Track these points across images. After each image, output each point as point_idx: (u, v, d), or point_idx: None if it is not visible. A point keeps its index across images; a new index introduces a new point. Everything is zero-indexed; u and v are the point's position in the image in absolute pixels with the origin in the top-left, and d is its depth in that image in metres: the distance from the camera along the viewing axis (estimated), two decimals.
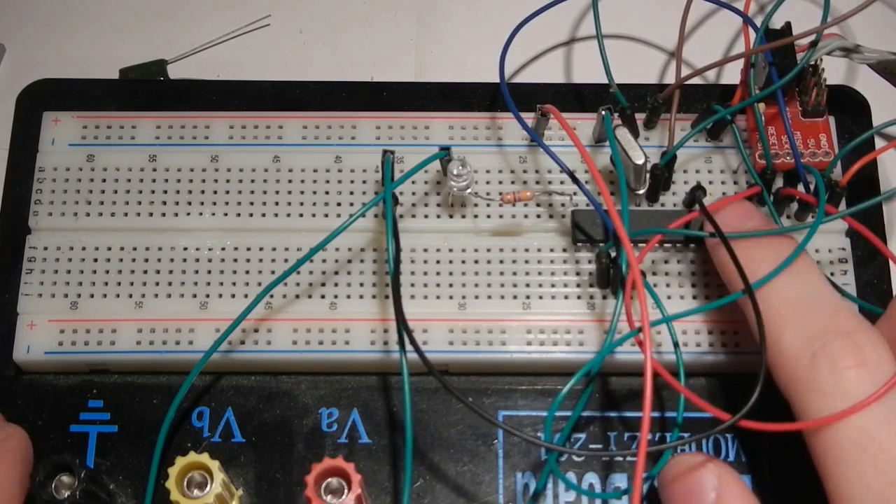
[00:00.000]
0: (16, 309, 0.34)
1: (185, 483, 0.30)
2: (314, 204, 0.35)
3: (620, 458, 0.33)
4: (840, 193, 0.33)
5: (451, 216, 0.35)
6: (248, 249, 0.35)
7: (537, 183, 0.36)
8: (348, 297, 0.34)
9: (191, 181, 0.36)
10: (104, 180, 0.36)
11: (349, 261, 0.35)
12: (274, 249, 0.35)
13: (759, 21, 0.35)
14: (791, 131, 0.34)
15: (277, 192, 0.35)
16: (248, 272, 0.35)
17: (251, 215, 0.35)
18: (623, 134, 0.33)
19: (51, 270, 0.34)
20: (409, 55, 0.41)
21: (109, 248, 0.35)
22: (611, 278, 0.33)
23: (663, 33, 0.41)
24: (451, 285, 0.34)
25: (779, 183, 0.35)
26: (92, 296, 0.34)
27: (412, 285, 0.34)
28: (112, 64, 0.40)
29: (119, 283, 0.34)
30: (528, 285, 0.34)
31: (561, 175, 0.35)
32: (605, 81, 0.35)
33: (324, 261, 0.35)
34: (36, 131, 0.36)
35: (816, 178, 0.33)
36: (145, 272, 0.34)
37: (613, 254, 0.33)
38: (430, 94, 0.38)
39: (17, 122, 0.37)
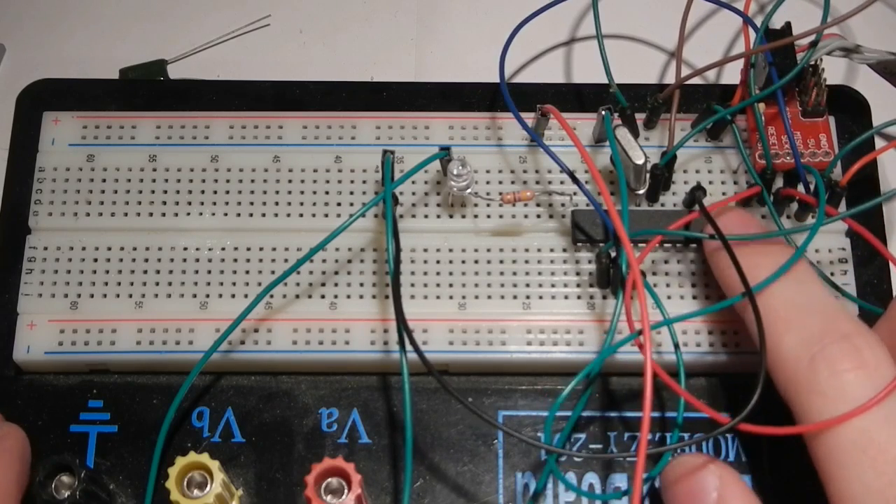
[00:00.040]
0: (16, 309, 0.34)
1: (185, 483, 0.30)
2: (314, 204, 0.35)
3: (620, 459, 0.33)
4: (840, 193, 0.33)
5: (451, 216, 0.35)
6: (248, 249, 0.35)
7: (537, 183, 0.36)
8: (348, 297, 0.34)
9: (191, 181, 0.36)
10: (104, 180, 0.36)
11: (349, 261, 0.35)
12: (274, 249, 0.35)
13: (759, 21, 0.35)
14: (791, 131, 0.34)
15: (277, 192, 0.35)
16: (248, 272, 0.35)
17: (251, 215, 0.35)
18: (623, 134, 0.33)
19: (51, 270, 0.34)
20: (409, 55, 0.41)
21: (109, 248, 0.35)
22: (611, 278, 0.33)
23: (663, 33, 0.41)
24: (451, 285, 0.34)
25: (779, 183, 0.35)
26: (92, 296, 0.34)
27: (412, 285, 0.34)
28: (112, 64, 0.40)
29: (119, 283, 0.34)
30: (528, 285, 0.34)
31: (561, 175, 0.35)
32: (605, 81, 0.35)
33: (324, 261, 0.35)
34: (36, 131, 0.36)
35: (816, 179, 0.33)
36: (145, 272, 0.35)
37: (613, 254, 0.33)
38: (430, 94, 0.38)
39: (17, 122, 0.37)
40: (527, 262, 0.35)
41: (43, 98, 0.37)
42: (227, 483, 0.31)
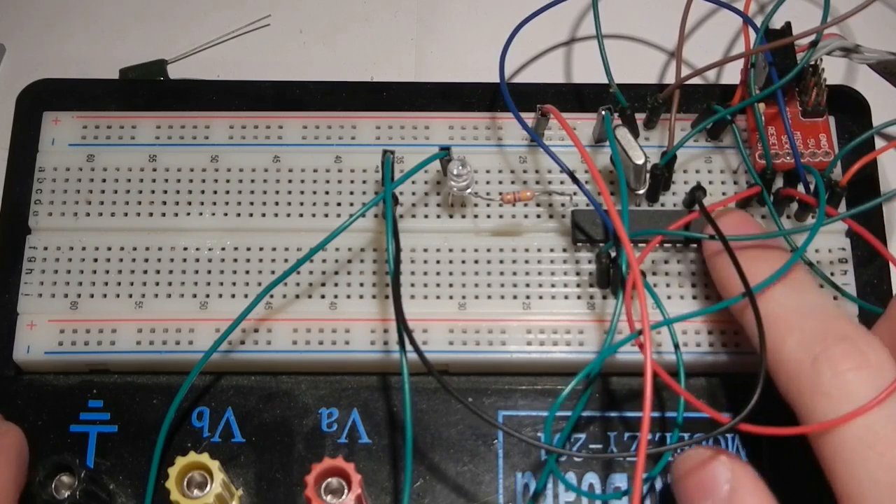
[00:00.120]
0: (16, 309, 0.34)
1: (185, 483, 0.30)
2: (314, 204, 0.35)
3: (620, 459, 0.33)
4: (840, 193, 0.33)
5: (451, 216, 0.35)
6: (248, 249, 0.35)
7: (537, 183, 0.36)
8: (348, 297, 0.34)
9: (191, 181, 0.36)
10: (104, 180, 0.36)
11: (349, 261, 0.35)
12: (274, 249, 0.35)
13: (759, 21, 0.35)
14: (791, 131, 0.34)
15: (277, 192, 0.35)
16: (248, 272, 0.35)
17: (251, 215, 0.35)
18: (623, 134, 0.33)
19: (51, 270, 0.34)
20: (409, 55, 0.41)
21: (109, 248, 0.35)
22: (611, 278, 0.33)
23: (663, 33, 0.41)
24: (451, 285, 0.34)
25: (779, 183, 0.35)
26: (92, 296, 0.34)
27: (412, 285, 0.34)
28: (112, 64, 0.40)
29: (119, 283, 0.34)
30: (528, 285, 0.34)
31: (561, 175, 0.35)
32: (605, 81, 0.35)
33: (324, 261, 0.35)
34: (36, 131, 0.36)
35: (816, 179, 0.33)
36: (145, 272, 0.35)
37: (613, 254, 0.33)
38: (430, 94, 0.38)
39: (17, 122, 0.37)
40: (527, 262, 0.35)
41: (43, 98, 0.37)
42: (227, 483, 0.31)
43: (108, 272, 0.34)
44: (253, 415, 0.34)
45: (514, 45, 0.35)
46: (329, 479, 0.29)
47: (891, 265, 0.35)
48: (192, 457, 0.30)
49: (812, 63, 0.34)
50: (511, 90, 0.34)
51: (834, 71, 0.39)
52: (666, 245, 0.35)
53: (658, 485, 0.33)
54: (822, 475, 0.29)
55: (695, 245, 0.34)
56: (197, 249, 0.35)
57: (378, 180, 0.36)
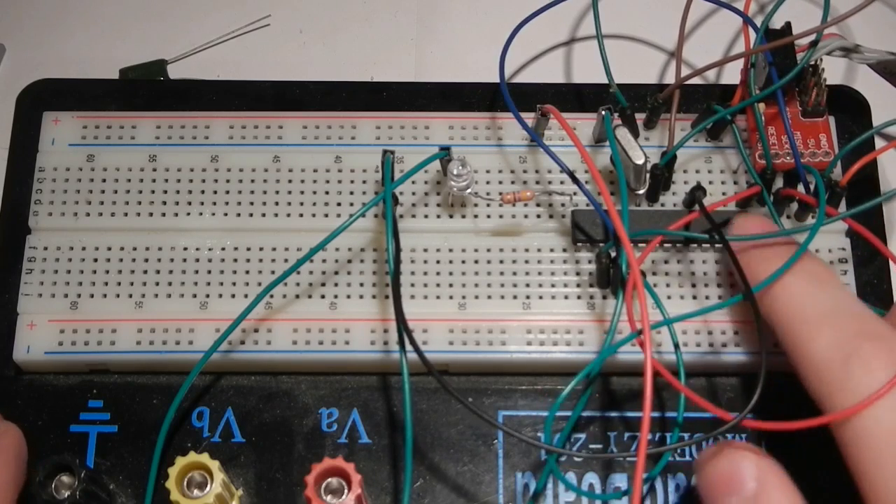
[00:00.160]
0: (16, 309, 0.34)
1: (185, 483, 0.30)
2: (314, 204, 0.35)
3: (620, 459, 0.33)
4: (840, 193, 0.33)
5: (451, 216, 0.35)
6: (248, 249, 0.35)
7: (537, 183, 0.36)
8: (348, 297, 0.34)
9: (191, 181, 0.36)
10: (104, 180, 0.36)
11: (349, 261, 0.35)
12: (274, 249, 0.35)
13: (759, 21, 0.35)
14: (791, 131, 0.34)
15: (277, 192, 0.35)
16: (248, 272, 0.35)
17: (251, 215, 0.35)
18: (623, 134, 0.33)
19: (51, 270, 0.34)
20: (409, 55, 0.41)
21: (109, 248, 0.35)
22: (611, 278, 0.33)
23: (663, 33, 0.41)
24: (451, 285, 0.34)
25: (779, 183, 0.35)
26: (92, 296, 0.34)
27: (412, 285, 0.34)
28: (112, 64, 0.40)
29: (119, 283, 0.34)
30: (528, 285, 0.34)
31: (561, 175, 0.35)
32: (605, 81, 0.35)
33: (324, 261, 0.35)
34: (36, 131, 0.36)
35: (816, 179, 0.33)
36: (145, 272, 0.35)
37: (613, 254, 0.33)
38: (430, 94, 0.38)
39: (17, 122, 0.37)
40: (527, 262, 0.35)
41: (43, 98, 0.37)
42: (227, 483, 0.31)
43: (108, 272, 0.34)
44: (253, 415, 0.34)
45: (514, 45, 0.35)
46: (329, 479, 0.29)
47: (891, 263, 0.35)
48: (192, 457, 0.30)
49: (812, 63, 0.34)
50: (511, 90, 0.34)
51: (834, 71, 0.39)
52: (666, 245, 0.35)
53: (658, 485, 0.33)
54: (822, 475, 0.29)
55: (695, 245, 0.34)
56: (197, 249, 0.35)
57: (378, 180, 0.36)
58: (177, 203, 0.35)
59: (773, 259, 0.30)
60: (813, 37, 0.34)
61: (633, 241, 0.34)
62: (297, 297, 0.34)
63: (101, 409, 0.34)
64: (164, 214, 0.35)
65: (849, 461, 0.26)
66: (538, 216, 0.35)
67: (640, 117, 0.36)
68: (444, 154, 0.33)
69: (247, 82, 0.38)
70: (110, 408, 0.34)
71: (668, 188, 0.35)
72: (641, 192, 0.34)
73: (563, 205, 0.35)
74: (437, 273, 0.34)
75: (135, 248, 0.35)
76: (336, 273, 0.34)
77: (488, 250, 0.35)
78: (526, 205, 0.35)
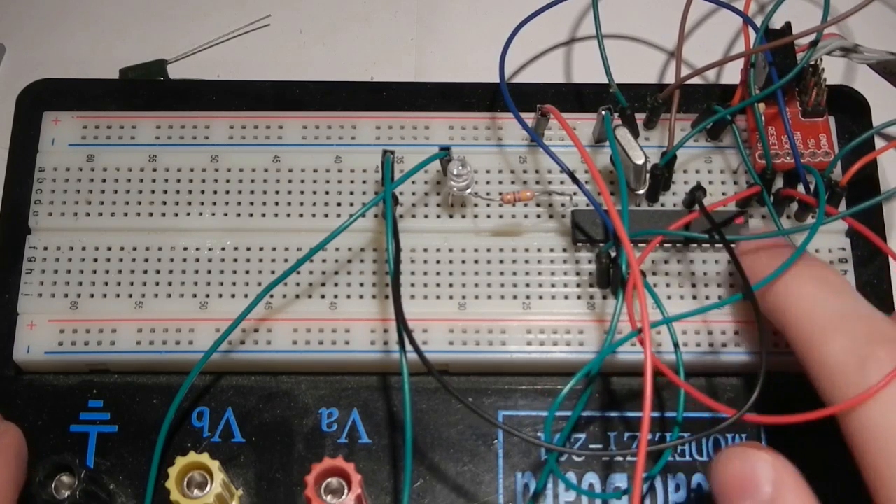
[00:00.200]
0: (16, 309, 0.34)
1: (185, 483, 0.30)
2: (314, 204, 0.35)
3: (620, 458, 0.33)
4: (840, 193, 0.33)
5: (451, 216, 0.35)
6: (248, 249, 0.35)
7: (537, 183, 0.36)
8: (348, 297, 0.34)
9: (191, 181, 0.36)
10: (104, 180, 0.36)
11: (349, 261, 0.35)
12: (274, 249, 0.35)
13: (759, 21, 0.35)
14: (791, 131, 0.34)
15: (277, 192, 0.35)
16: (248, 272, 0.35)
17: (251, 215, 0.35)
18: (623, 134, 0.33)
19: (51, 270, 0.34)
20: (409, 55, 0.41)
21: (109, 248, 0.35)
22: (611, 278, 0.33)
23: (663, 33, 0.41)
24: (451, 285, 0.34)
25: (779, 183, 0.35)
26: (92, 296, 0.34)
27: (412, 285, 0.34)
28: (112, 64, 0.40)
29: (119, 283, 0.34)
30: (528, 285, 0.34)
31: (561, 175, 0.35)
32: (605, 81, 0.35)
33: (324, 261, 0.35)
34: (36, 131, 0.36)
35: (816, 179, 0.33)
36: (145, 272, 0.34)
37: (613, 254, 0.33)
38: (430, 94, 0.38)
39: (17, 122, 0.37)
40: (527, 262, 0.35)
41: (43, 98, 0.37)
42: (227, 483, 0.31)
43: (108, 272, 0.34)
44: (253, 415, 0.34)
45: (514, 45, 0.35)
46: (329, 479, 0.29)
47: (891, 264, 0.35)
48: (192, 457, 0.30)
49: (812, 63, 0.34)
50: (511, 90, 0.34)
51: (834, 71, 0.39)
52: (666, 245, 0.35)
53: (658, 484, 0.33)
54: (822, 475, 0.29)
55: (695, 245, 0.34)
56: (197, 249, 0.35)
57: (378, 180, 0.36)
58: (177, 203, 0.35)
59: (777, 261, 0.30)
60: (813, 37, 0.34)
61: (633, 241, 0.34)
62: (297, 297, 0.34)
63: (101, 409, 0.34)
64: (164, 214, 0.35)
65: (855, 452, 0.26)
66: (538, 216, 0.35)
67: (640, 117, 0.36)
68: (444, 154, 0.33)
69: (247, 82, 0.38)
70: (110, 408, 0.34)
71: (668, 188, 0.35)
72: (641, 192, 0.34)
73: (563, 205, 0.35)
74: (437, 273, 0.34)
75: (135, 248, 0.35)
76: (336, 273, 0.34)
77: (488, 250, 0.35)
78: (526, 205, 0.35)
